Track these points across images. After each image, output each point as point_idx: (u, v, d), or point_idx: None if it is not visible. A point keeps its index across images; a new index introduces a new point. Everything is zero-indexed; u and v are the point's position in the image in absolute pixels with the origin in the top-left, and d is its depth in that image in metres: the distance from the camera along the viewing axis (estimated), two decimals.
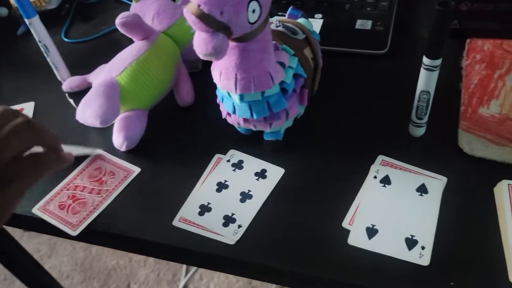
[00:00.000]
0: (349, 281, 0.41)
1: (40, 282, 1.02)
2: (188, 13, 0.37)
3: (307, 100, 0.49)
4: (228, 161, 0.51)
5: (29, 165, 0.39)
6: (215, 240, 0.44)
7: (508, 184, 0.44)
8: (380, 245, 0.42)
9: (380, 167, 0.48)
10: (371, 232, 0.43)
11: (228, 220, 0.46)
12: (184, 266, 1.38)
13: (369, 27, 0.64)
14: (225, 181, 0.49)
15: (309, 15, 0.67)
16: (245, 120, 0.47)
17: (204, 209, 0.47)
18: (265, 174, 0.49)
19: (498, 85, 0.54)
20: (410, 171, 0.48)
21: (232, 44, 0.41)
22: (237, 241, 0.44)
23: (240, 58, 0.41)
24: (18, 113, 0.39)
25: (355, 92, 0.57)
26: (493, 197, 0.44)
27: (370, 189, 0.47)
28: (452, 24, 0.60)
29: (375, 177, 0.47)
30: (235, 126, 0.51)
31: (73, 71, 0.65)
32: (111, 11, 0.80)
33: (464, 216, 0.43)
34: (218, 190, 0.48)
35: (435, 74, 0.44)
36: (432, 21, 0.40)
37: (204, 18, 0.36)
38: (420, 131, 0.50)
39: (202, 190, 0.49)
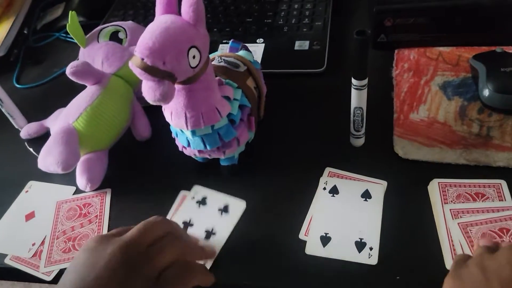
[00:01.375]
0: None
1: None
2: (133, 66, 0.40)
3: (255, 126, 0.53)
4: (193, 198, 0.54)
5: (179, 273, 0.42)
6: None
7: (439, 182, 0.49)
8: (334, 251, 0.47)
9: (328, 178, 0.53)
10: (325, 240, 0.48)
11: None
12: None
13: (307, 47, 0.69)
14: (190, 220, 0.52)
15: (251, 40, 0.71)
16: (200, 151, 0.51)
17: None
18: (228, 209, 0.52)
19: (425, 90, 0.60)
20: (354, 179, 0.53)
21: (178, 87, 0.44)
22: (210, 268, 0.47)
23: (187, 98, 0.45)
24: (171, 224, 0.45)
25: (299, 110, 0.62)
26: (428, 195, 0.50)
27: (320, 200, 0.51)
28: (380, 38, 0.66)
29: (324, 188, 0.52)
30: (192, 156, 0.54)
31: (29, 117, 0.67)
32: (61, 53, 0.81)
33: (404, 215, 0.49)
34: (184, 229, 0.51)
35: (364, 92, 0.50)
36: (353, 49, 0.45)
37: (148, 70, 0.40)
38: (360, 142, 0.56)
39: None
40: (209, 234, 0.50)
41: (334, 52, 0.68)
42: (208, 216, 0.52)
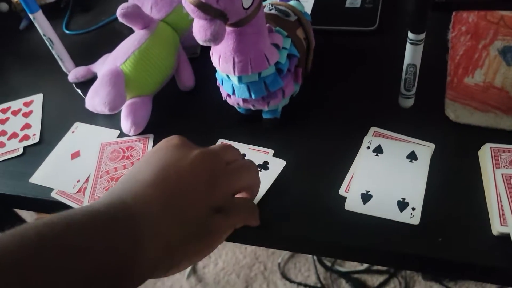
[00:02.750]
0: (347, 243, 0.45)
1: None
2: (187, 2, 0.39)
3: (301, 78, 0.52)
4: None
5: (244, 205, 0.42)
6: None
7: (491, 147, 0.47)
8: (375, 209, 0.46)
9: (372, 137, 0.52)
10: (366, 197, 0.47)
11: None
12: None
13: (358, 5, 0.66)
14: None
15: None
16: (244, 100, 0.50)
17: None
18: (267, 166, 0.51)
19: (482, 55, 0.57)
20: (400, 140, 0.51)
21: (229, 29, 0.44)
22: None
23: (237, 42, 0.44)
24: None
25: (346, 68, 0.60)
26: (477, 160, 0.48)
27: (363, 158, 0.50)
28: None
29: (368, 147, 0.51)
30: (235, 106, 0.54)
31: (77, 62, 0.68)
32: (110, 1, 0.82)
33: (451, 179, 0.47)
34: None
35: (420, 47, 0.47)
36: None
37: (201, 6, 0.39)
38: (409, 102, 0.54)
39: None
40: None
41: (387, 11, 0.65)
42: None
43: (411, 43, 0.47)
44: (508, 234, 0.40)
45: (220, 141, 0.55)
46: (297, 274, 1.33)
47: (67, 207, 0.52)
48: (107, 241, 0.33)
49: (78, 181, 0.54)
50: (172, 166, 0.38)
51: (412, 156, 0.49)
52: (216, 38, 0.40)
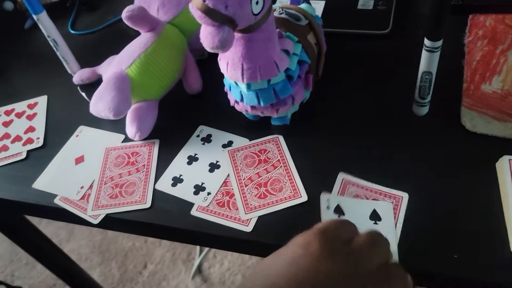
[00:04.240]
0: None
1: (60, 264, 1.06)
2: (194, 8, 0.38)
3: (312, 85, 0.50)
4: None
5: (398, 277, 0.35)
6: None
7: (510, 160, 0.45)
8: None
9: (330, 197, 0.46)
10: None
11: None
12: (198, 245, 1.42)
13: (371, 7, 0.64)
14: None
15: None
16: (253, 107, 0.49)
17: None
18: None
19: (500, 60, 0.55)
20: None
21: (237, 35, 0.42)
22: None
23: (246, 48, 0.42)
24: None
25: (358, 73, 0.58)
26: (495, 172, 0.46)
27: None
28: (454, 1, 0.61)
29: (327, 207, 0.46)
30: (243, 113, 0.52)
31: (82, 63, 0.67)
32: (116, 0, 0.80)
33: (468, 191, 0.45)
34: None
35: (437, 55, 0.45)
36: (430, 4, 0.41)
37: (209, 12, 0.37)
38: (423, 110, 0.52)
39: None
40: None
41: (400, 13, 0.63)
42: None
43: (427, 50, 0.45)
44: None
45: (228, 150, 0.53)
46: None
47: (70, 214, 0.51)
48: None
49: (82, 187, 0.53)
50: None
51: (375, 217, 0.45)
52: (225, 45, 0.39)
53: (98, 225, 0.50)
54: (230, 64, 0.44)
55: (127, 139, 0.57)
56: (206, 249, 1.41)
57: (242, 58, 0.43)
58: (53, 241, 1.05)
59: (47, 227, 1.56)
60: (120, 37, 0.65)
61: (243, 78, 0.44)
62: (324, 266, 0.32)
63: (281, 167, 0.51)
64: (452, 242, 0.42)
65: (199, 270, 1.39)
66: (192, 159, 0.53)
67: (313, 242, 0.34)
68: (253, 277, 0.34)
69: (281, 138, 0.53)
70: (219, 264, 1.40)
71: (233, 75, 0.45)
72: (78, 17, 0.79)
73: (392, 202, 0.45)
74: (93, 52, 0.71)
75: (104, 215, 0.50)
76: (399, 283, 0.34)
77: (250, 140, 0.54)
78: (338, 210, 0.46)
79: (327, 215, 0.45)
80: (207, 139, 0.55)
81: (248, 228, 0.46)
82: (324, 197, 0.46)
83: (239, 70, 0.44)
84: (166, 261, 1.43)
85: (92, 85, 0.61)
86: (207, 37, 0.39)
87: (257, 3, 0.39)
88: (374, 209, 0.45)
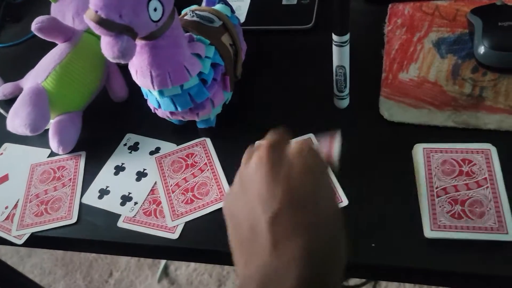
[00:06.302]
0: None
1: (17, 285, 1.03)
2: (87, 19, 0.37)
3: (231, 87, 0.50)
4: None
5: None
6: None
7: (423, 148, 0.46)
8: None
9: None
10: None
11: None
12: None
13: (295, 2, 0.64)
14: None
15: None
16: (172, 113, 0.48)
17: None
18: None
19: (417, 48, 0.56)
20: None
21: (141, 43, 0.41)
22: None
23: (152, 55, 0.42)
24: None
25: (282, 69, 0.59)
26: (411, 159, 0.47)
27: None
28: None
29: None
30: (166, 118, 0.52)
31: (7, 77, 0.64)
32: (43, 9, 0.78)
33: (385, 179, 0.46)
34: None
35: (346, 48, 0.46)
36: (334, 1, 0.42)
37: (103, 23, 0.37)
38: (344, 103, 0.52)
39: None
40: None
41: (324, 8, 0.64)
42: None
43: (337, 45, 0.46)
44: (439, 238, 0.40)
45: (155, 157, 0.52)
46: None
47: None
48: None
49: (6, 207, 0.52)
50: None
51: None
52: (125, 54, 0.38)
53: (23, 245, 0.49)
54: (139, 72, 0.43)
55: (53, 154, 0.56)
56: None
57: (149, 66, 0.42)
58: (14, 259, 1.01)
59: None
60: (46, 49, 0.62)
61: (153, 86, 0.44)
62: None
63: (208, 170, 0.51)
64: (370, 230, 0.43)
65: (165, 273, 1.38)
66: (119, 169, 0.53)
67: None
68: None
69: (208, 140, 0.53)
70: (186, 265, 1.39)
71: (143, 82, 0.44)
72: (2, 29, 0.76)
73: None
74: (19, 65, 0.68)
75: (29, 234, 0.49)
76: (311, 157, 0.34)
77: (177, 145, 0.54)
78: None
79: None
80: (134, 147, 0.54)
81: (175, 235, 0.46)
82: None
83: (148, 78, 0.43)
84: (131, 267, 1.42)
85: (15, 101, 0.59)
86: (106, 47, 0.38)
87: (155, 9, 0.39)
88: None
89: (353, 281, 1.24)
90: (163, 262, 1.38)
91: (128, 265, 1.42)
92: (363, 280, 1.23)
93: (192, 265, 1.39)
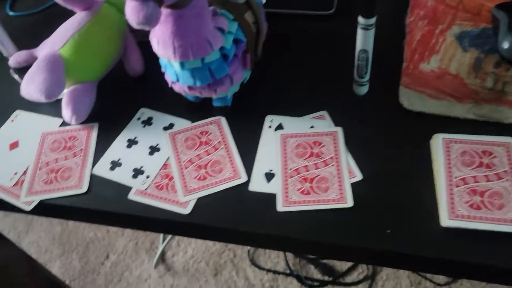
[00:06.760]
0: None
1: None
2: None
3: (250, 65, 0.50)
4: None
5: None
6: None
7: (443, 138, 0.46)
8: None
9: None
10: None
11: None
12: (161, 234, 1.40)
13: None
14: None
15: None
16: (190, 87, 0.48)
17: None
18: None
19: (439, 40, 0.56)
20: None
21: (166, 11, 0.41)
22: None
23: (176, 25, 0.41)
24: None
25: (301, 54, 0.58)
26: (429, 149, 0.47)
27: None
28: None
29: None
30: (182, 94, 0.51)
31: (22, 46, 0.64)
32: None
33: (402, 168, 0.46)
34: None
35: (371, 32, 0.45)
36: None
37: None
38: (363, 90, 0.52)
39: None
40: None
41: None
42: None
43: (362, 28, 0.45)
44: (456, 227, 0.39)
45: (168, 133, 0.52)
46: (266, 261, 1.33)
47: (2, 202, 0.49)
48: None
49: (16, 173, 0.51)
50: None
51: None
52: (150, 21, 0.37)
53: (31, 212, 0.49)
54: (161, 42, 0.43)
55: (65, 123, 0.55)
56: (169, 237, 1.39)
57: (172, 36, 0.42)
58: (11, 234, 1.01)
59: (4, 220, 1.51)
60: (62, 19, 0.62)
61: (175, 57, 0.43)
62: None
63: (222, 148, 0.50)
64: (387, 218, 0.42)
65: (162, 258, 1.38)
66: (131, 143, 0.52)
67: None
68: None
69: (223, 119, 0.53)
70: (183, 252, 1.39)
71: (165, 53, 0.43)
72: None
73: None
74: (33, 34, 0.68)
75: (38, 201, 0.48)
76: None
77: (192, 122, 0.53)
78: (279, 128, 0.49)
79: (267, 134, 0.48)
80: (147, 122, 0.54)
81: (187, 210, 0.46)
82: (268, 117, 0.50)
83: (171, 48, 0.42)
84: (128, 251, 1.41)
85: (28, 68, 0.59)
86: (132, 12, 0.37)
87: None
88: (312, 125, 0.49)
89: (350, 278, 1.24)
90: (160, 247, 1.37)
91: (125, 249, 1.41)
92: (360, 277, 1.23)
93: (190, 252, 1.38)
